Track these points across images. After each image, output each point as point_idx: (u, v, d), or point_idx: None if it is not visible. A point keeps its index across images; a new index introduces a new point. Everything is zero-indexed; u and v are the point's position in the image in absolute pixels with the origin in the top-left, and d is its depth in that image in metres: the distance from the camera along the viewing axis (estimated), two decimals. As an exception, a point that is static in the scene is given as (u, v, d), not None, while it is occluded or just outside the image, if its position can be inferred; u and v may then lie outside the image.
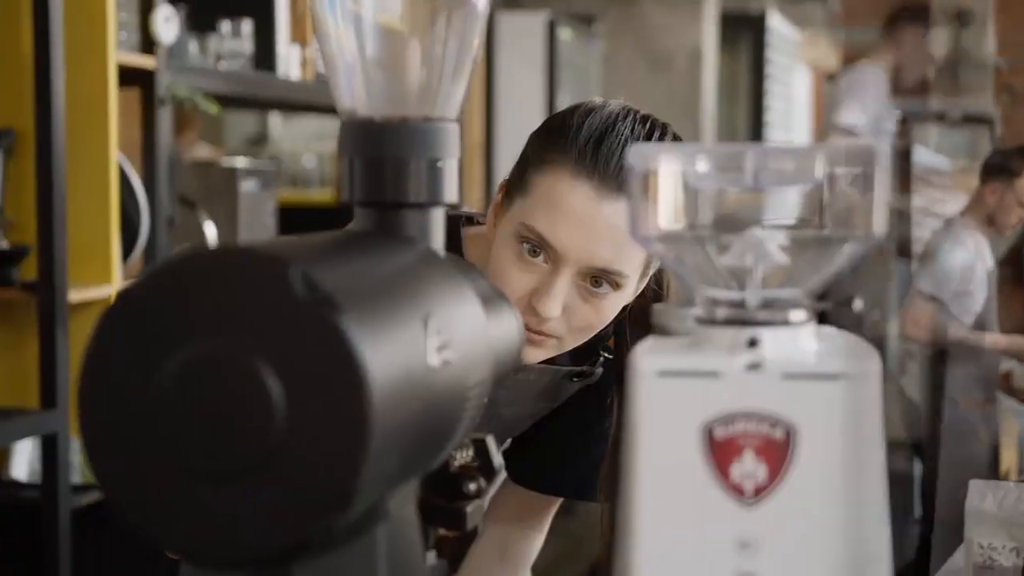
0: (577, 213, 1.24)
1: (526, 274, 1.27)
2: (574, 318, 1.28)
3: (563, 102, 6.00)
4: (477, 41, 0.86)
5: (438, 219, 0.84)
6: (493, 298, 0.88)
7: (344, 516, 0.62)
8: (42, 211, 2.41)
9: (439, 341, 0.72)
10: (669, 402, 0.70)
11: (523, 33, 5.07)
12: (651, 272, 1.35)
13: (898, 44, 4.48)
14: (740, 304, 0.72)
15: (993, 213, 4.40)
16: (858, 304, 0.80)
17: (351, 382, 0.61)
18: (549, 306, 1.25)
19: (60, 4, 2.44)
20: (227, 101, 3.28)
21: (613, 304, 1.29)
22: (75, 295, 2.48)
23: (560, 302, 1.26)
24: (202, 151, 4.01)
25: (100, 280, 2.57)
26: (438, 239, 0.84)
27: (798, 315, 0.72)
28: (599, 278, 1.26)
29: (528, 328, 1.26)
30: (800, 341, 0.71)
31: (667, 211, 0.73)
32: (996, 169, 4.40)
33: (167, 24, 2.70)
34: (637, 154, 0.72)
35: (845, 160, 0.70)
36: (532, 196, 1.27)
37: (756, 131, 7.66)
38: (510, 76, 4.90)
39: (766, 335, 0.70)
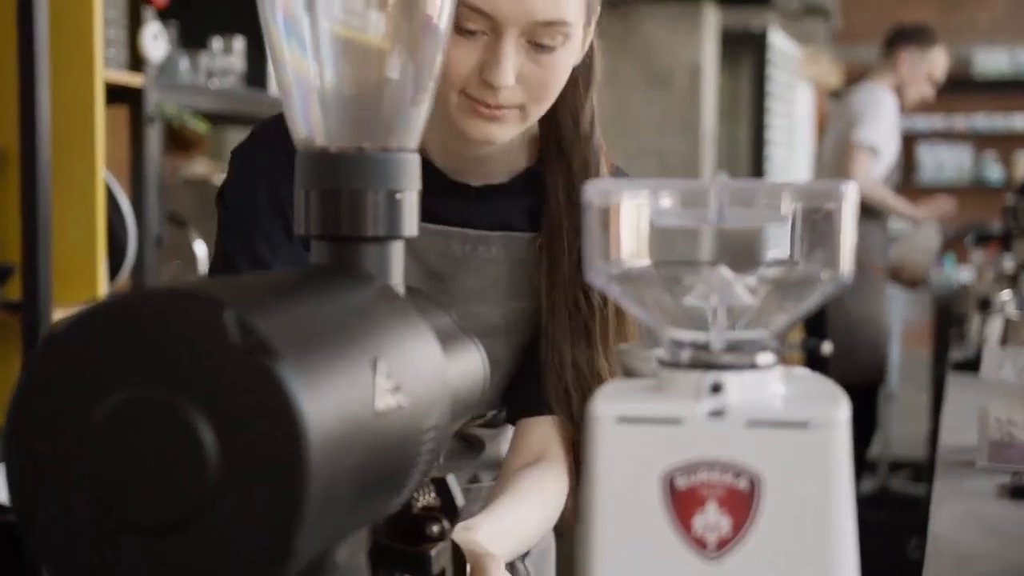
0: None
1: (470, 50, 1.21)
2: (530, 82, 1.23)
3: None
4: (437, 67, 0.83)
5: (397, 252, 0.81)
6: (454, 334, 0.85)
7: (282, 572, 0.59)
8: (27, 230, 2.39)
9: (390, 384, 0.68)
10: (629, 450, 0.67)
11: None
12: (594, 19, 1.31)
13: (896, 67, 4.50)
14: (704, 346, 0.69)
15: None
16: (827, 347, 0.78)
17: (287, 431, 0.58)
18: (500, 73, 1.20)
19: (46, 21, 2.41)
20: (220, 118, 3.25)
21: (564, 60, 1.24)
22: (60, 315, 2.45)
23: (511, 68, 1.21)
24: (200, 167, 3.99)
25: (86, 300, 2.54)
26: (397, 273, 0.81)
27: (765, 358, 0.69)
28: (544, 34, 1.21)
29: (486, 104, 1.23)
30: (766, 386, 0.68)
31: (627, 248, 0.70)
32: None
33: (155, 42, 2.68)
34: (595, 189, 0.69)
35: (812, 199, 0.67)
36: None
37: (757, 149, 7.62)
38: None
39: (731, 380, 0.67)
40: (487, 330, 1.33)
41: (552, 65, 1.23)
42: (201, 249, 2.96)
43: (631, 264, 0.70)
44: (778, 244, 0.69)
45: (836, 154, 4.47)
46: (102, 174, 2.53)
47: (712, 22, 5.76)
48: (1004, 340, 2.88)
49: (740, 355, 0.68)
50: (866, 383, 4.53)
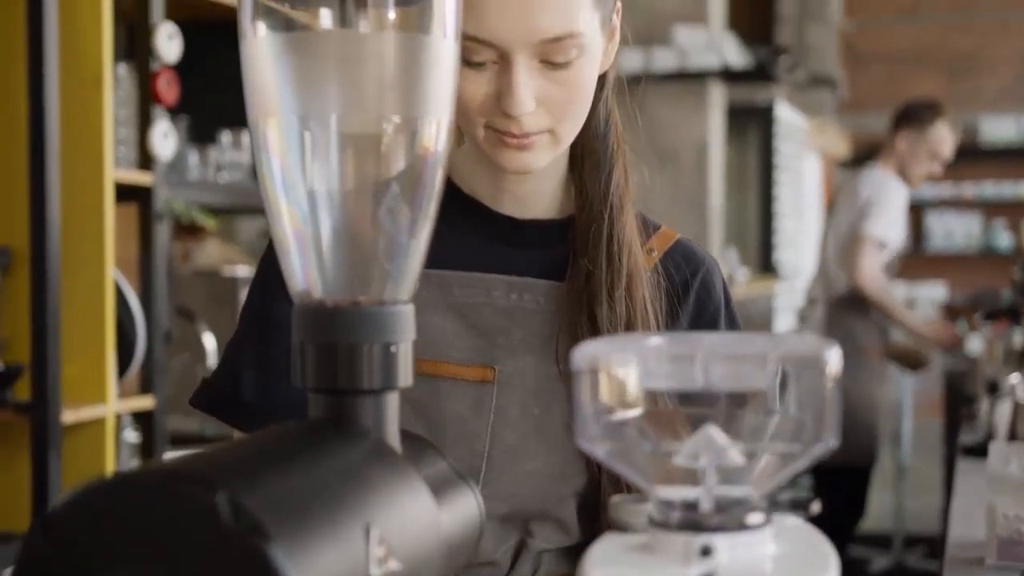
0: None
1: (483, 82, 1.14)
2: (553, 103, 1.15)
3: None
4: (430, 222, 0.84)
5: (392, 404, 0.82)
6: (449, 480, 0.86)
7: None
8: (37, 332, 2.40)
9: (382, 550, 0.69)
10: (620, 614, 0.67)
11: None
12: (616, 16, 1.23)
13: (896, 148, 4.55)
14: (694, 505, 0.70)
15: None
16: (815, 507, 0.78)
17: (279, 613, 0.59)
18: (516, 103, 1.12)
19: (57, 121, 2.45)
20: (230, 209, 3.28)
21: (585, 72, 1.16)
22: (69, 415, 2.46)
23: (527, 94, 1.13)
24: (213, 249, 4.01)
25: (95, 400, 2.55)
26: (392, 425, 0.82)
27: (755, 518, 0.69)
28: (555, 51, 1.13)
29: (512, 135, 1.15)
30: (757, 547, 0.69)
31: (615, 410, 0.71)
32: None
33: (165, 140, 2.71)
34: (582, 356, 0.70)
35: (796, 364, 0.68)
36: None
37: (766, 221, 7.66)
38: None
39: (721, 542, 0.68)
40: (538, 391, 1.21)
41: (572, 81, 1.15)
42: (210, 342, 2.98)
43: (620, 425, 0.71)
44: (766, 405, 0.70)
45: (844, 243, 4.49)
46: (111, 273, 2.55)
47: (718, 99, 5.81)
48: (1014, 424, 2.87)
49: (730, 516, 0.69)
50: (857, 464, 4.53)
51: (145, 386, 2.76)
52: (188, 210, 2.77)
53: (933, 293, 10.44)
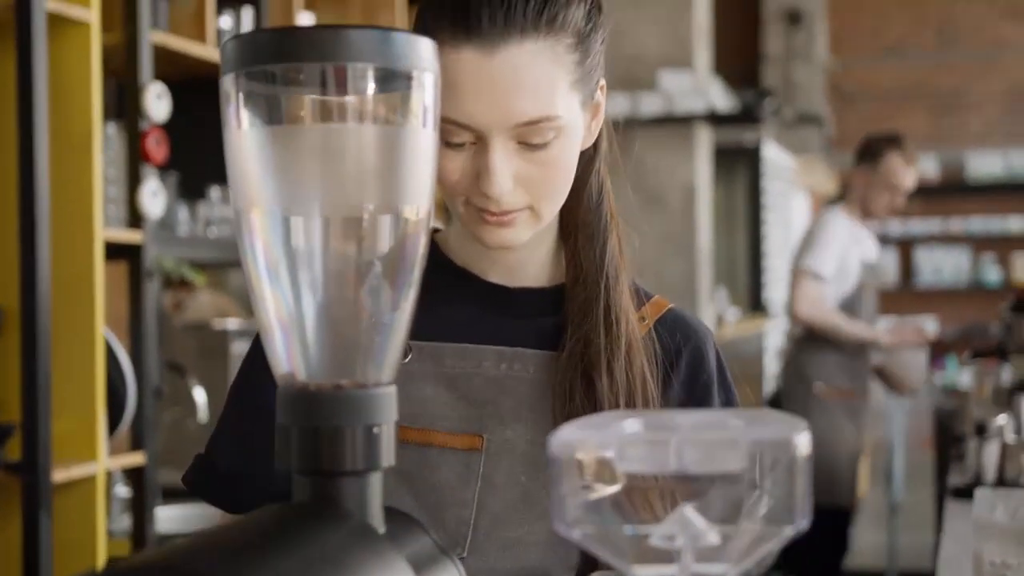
0: (472, 81, 1.12)
1: (461, 161, 1.15)
2: (531, 183, 1.16)
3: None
4: (411, 305, 0.86)
5: (376, 484, 0.84)
6: (433, 557, 0.87)
7: None
8: (27, 391, 2.42)
9: (365, 635, 0.71)
10: None
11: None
12: (598, 93, 1.23)
13: (854, 185, 4.62)
14: (671, 586, 0.72)
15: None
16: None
17: None
18: (493, 184, 1.14)
19: (47, 181, 2.47)
20: (219, 262, 3.30)
21: (563, 152, 1.17)
22: (60, 474, 2.47)
23: (505, 174, 1.14)
24: (204, 299, 4.02)
25: (85, 458, 2.56)
26: (375, 505, 0.83)
27: (730, 597, 0.71)
28: (532, 134, 1.14)
29: (491, 212, 1.17)
30: (732, 625, 0.70)
31: (591, 493, 0.72)
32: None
33: (154, 199, 2.73)
34: (559, 442, 0.72)
35: (767, 448, 0.70)
36: None
37: (754, 259, 7.70)
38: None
39: (697, 622, 0.70)
40: (527, 459, 1.21)
41: (550, 161, 1.16)
42: (201, 396, 2.99)
43: (596, 508, 0.73)
44: (740, 487, 0.72)
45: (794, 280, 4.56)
46: (101, 332, 2.57)
47: (705, 141, 5.85)
48: (1002, 465, 2.89)
49: (706, 596, 0.71)
50: (833, 504, 4.52)
51: (136, 442, 2.77)
52: (178, 267, 2.79)
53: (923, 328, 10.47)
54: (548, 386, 1.23)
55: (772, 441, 0.71)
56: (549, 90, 1.14)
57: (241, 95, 0.81)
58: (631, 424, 0.75)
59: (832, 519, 4.51)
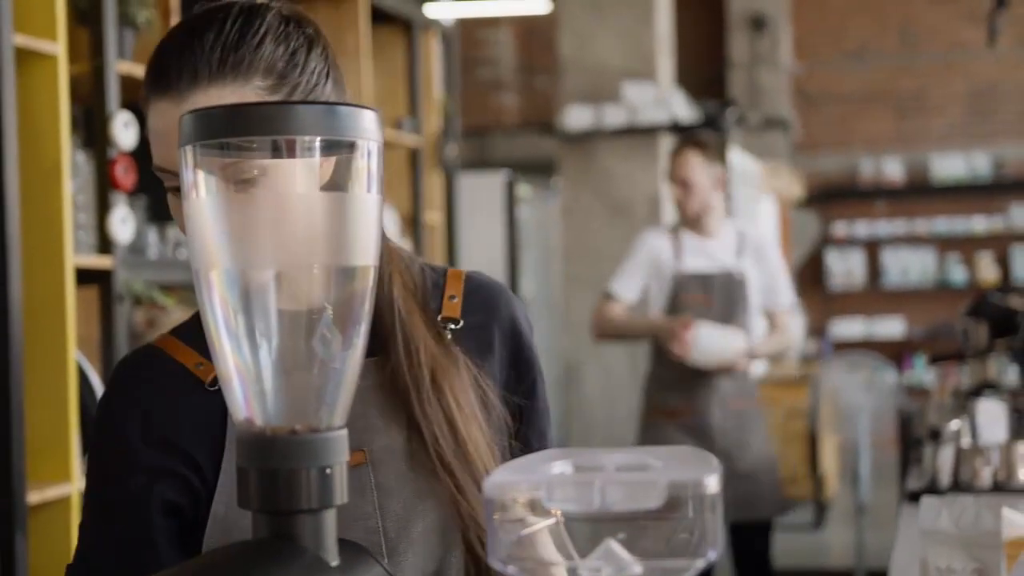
0: (169, 128, 1.20)
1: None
2: None
3: (525, 255, 6.14)
4: (359, 353, 0.93)
5: (330, 520, 0.91)
6: (387, 587, 0.94)
7: None
8: (1, 415, 2.47)
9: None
10: None
11: (483, 190, 5.20)
12: None
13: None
14: (597, 614, 0.79)
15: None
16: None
17: None
18: None
19: (17, 209, 2.52)
20: (189, 284, 3.36)
21: (335, 169, 1.20)
22: (34, 496, 2.53)
23: None
24: (177, 316, 4.06)
25: (59, 479, 2.61)
26: (330, 540, 0.90)
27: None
28: (238, 172, 1.13)
29: None
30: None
31: (522, 531, 0.80)
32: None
33: (123, 225, 2.79)
34: (493, 484, 0.79)
35: (682, 489, 0.77)
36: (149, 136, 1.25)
37: (722, 265, 7.77)
38: (472, 232, 5.01)
39: (619, 647, 0.77)
40: (407, 455, 1.28)
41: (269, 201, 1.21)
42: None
43: (527, 543, 0.80)
44: (659, 524, 0.79)
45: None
46: (73, 355, 2.63)
47: (668, 151, 5.93)
48: (956, 469, 2.96)
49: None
50: (748, 520, 4.41)
51: (109, 462, 2.82)
52: (148, 290, 2.85)
53: (892, 328, 10.61)
54: (390, 388, 1.28)
55: (686, 482, 0.78)
56: None
57: (198, 166, 0.88)
58: (559, 467, 0.82)
59: (754, 537, 4.46)
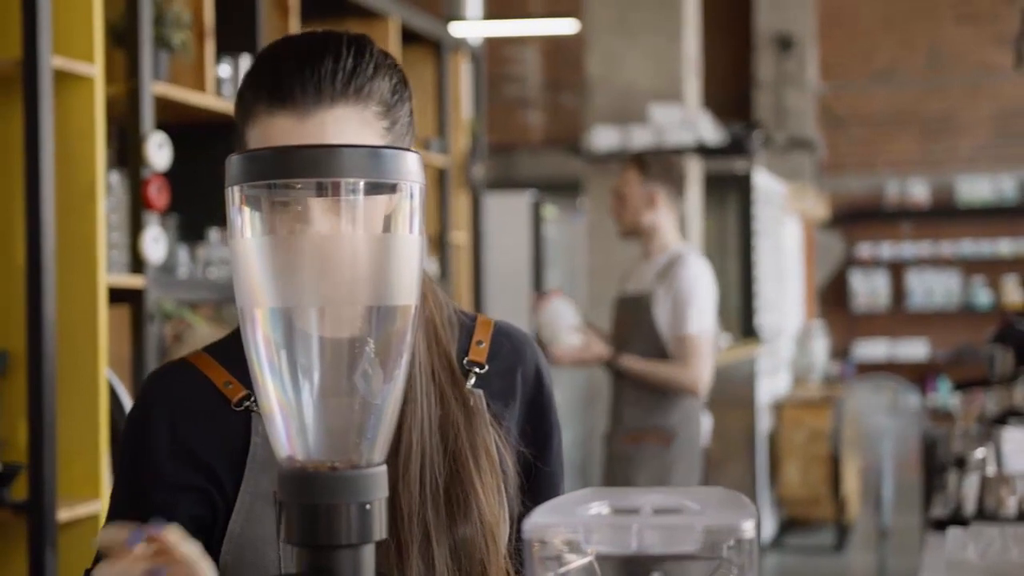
0: (284, 142, 1.20)
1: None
2: None
3: (549, 275, 6.16)
4: (399, 390, 0.94)
5: (369, 555, 0.92)
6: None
7: None
8: (33, 432, 2.50)
9: None
10: None
11: (510, 211, 5.22)
12: None
13: None
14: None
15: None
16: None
17: None
18: None
19: (52, 229, 2.56)
20: (218, 302, 3.39)
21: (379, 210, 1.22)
22: (65, 513, 2.55)
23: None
24: (203, 331, 4.09)
25: (89, 496, 2.64)
26: (368, 575, 0.92)
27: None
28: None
29: None
30: None
31: (561, 568, 0.81)
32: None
33: (156, 244, 2.82)
34: (532, 524, 0.80)
35: (719, 534, 0.79)
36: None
37: (746, 285, 7.77)
38: (497, 252, 5.03)
39: None
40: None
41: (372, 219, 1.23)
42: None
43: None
44: (696, 566, 0.80)
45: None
46: (105, 374, 2.65)
47: (695, 173, 5.94)
48: (981, 497, 2.96)
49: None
50: None
51: (138, 480, 2.85)
52: (178, 310, 2.88)
53: (915, 350, 10.57)
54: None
55: (723, 527, 0.79)
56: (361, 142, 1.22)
57: (244, 206, 0.90)
58: (596, 507, 0.83)
59: None
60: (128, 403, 2.74)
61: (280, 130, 1.21)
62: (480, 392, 1.33)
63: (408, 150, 0.93)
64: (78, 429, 2.63)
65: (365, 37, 1.27)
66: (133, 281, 2.81)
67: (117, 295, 2.79)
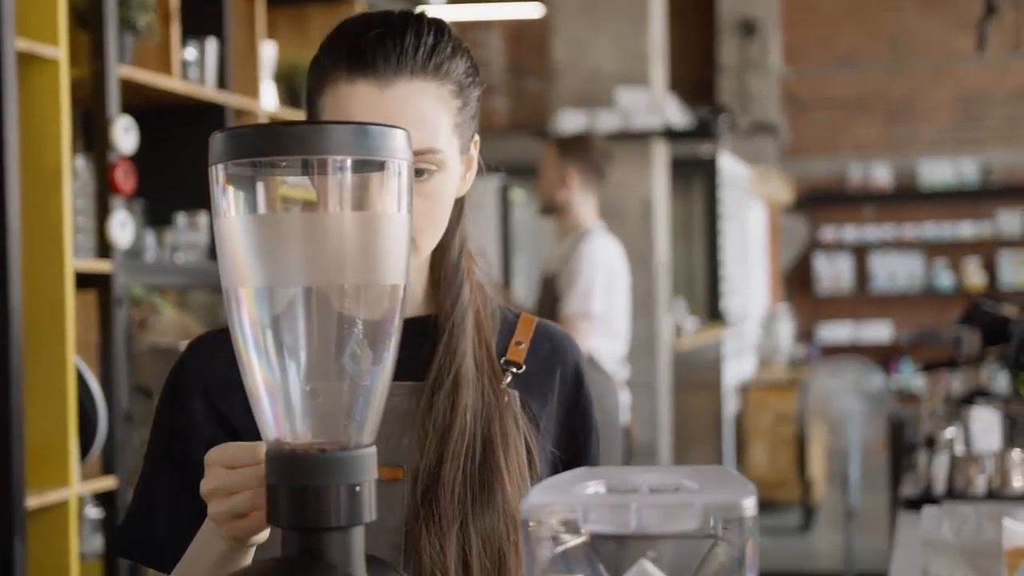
0: (366, 111, 1.22)
1: None
2: (414, 214, 1.20)
3: (517, 258, 6.16)
4: (388, 371, 0.93)
5: (359, 537, 0.91)
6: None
7: None
8: (1, 419, 2.46)
9: None
10: None
11: (476, 194, 5.19)
12: (474, 147, 1.31)
13: None
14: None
15: None
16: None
17: None
18: None
19: (18, 213, 2.52)
20: (185, 286, 3.36)
21: (445, 187, 1.26)
22: (33, 500, 2.52)
23: None
24: (169, 316, 4.05)
25: (58, 483, 2.61)
26: (358, 557, 0.91)
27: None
28: (415, 162, 1.16)
29: None
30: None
31: (557, 550, 0.80)
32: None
33: (123, 229, 2.79)
34: (529, 506, 0.79)
35: (719, 511, 0.78)
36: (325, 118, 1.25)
37: (712, 269, 7.80)
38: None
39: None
40: (434, 478, 1.27)
41: (431, 194, 1.24)
42: (169, 419, 3.03)
43: (563, 562, 0.80)
44: (694, 544, 0.79)
45: None
46: (72, 359, 2.62)
47: (661, 156, 5.94)
48: (951, 476, 2.98)
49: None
50: None
51: (107, 467, 2.82)
52: (146, 295, 2.85)
53: (879, 333, 10.64)
54: (429, 414, 1.28)
55: (723, 504, 0.78)
56: (434, 125, 1.24)
57: (228, 185, 0.88)
58: (593, 486, 0.82)
59: None
60: (97, 389, 2.71)
61: (360, 98, 1.22)
62: (515, 393, 1.33)
63: (395, 127, 0.91)
64: (46, 416, 2.59)
65: (443, 20, 1.29)
66: (100, 266, 2.78)
67: (84, 280, 2.76)
